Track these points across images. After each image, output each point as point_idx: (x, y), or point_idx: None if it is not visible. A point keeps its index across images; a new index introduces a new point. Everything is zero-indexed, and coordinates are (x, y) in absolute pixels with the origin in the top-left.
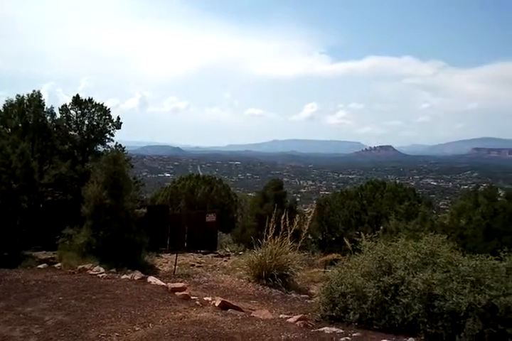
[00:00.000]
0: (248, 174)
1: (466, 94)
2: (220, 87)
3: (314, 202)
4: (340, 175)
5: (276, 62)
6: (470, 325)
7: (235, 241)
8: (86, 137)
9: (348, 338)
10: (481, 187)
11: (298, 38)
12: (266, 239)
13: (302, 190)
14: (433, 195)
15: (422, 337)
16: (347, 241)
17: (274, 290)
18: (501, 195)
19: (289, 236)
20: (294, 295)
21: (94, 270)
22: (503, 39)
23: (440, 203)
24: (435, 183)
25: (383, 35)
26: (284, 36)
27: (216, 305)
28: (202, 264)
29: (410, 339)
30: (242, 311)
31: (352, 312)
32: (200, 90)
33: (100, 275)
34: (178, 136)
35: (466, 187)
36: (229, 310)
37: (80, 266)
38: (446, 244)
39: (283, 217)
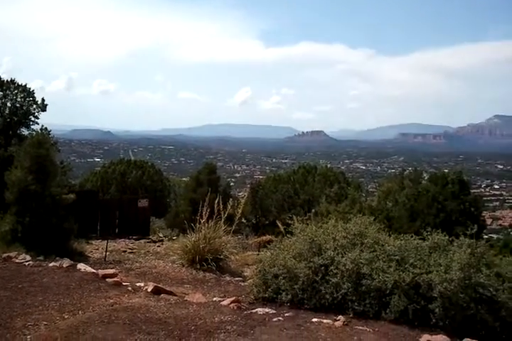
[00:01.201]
0: (182, 159)
1: (393, 81)
2: (151, 69)
3: (248, 186)
4: (274, 160)
5: (209, 45)
6: (395, 301)
7: (169, 226)
8: (8, 120)
9: (280, 318)
10: (407, 171)
11: (232, 21)
12: (199, 224)
13: (236, 175)
14: (362, 179)
15: (351, 315)
16: (280, 224)
17: (208, 274)
18: (425, 178)
19: (222, 220)
20: (228, 278)
21: (20, 258)
22: (428, 28)
23: (369, 186)
24: (364, 167)
25: (316, 22)
26: (218, 20)
27: (149, 290)
28: (134, 250)
29: (339, 317)
30: (176, 296)
31: (284, 293)
32: (131, 73)
33: (27, 264)
34: (109, 120)
35: (393, 171)
36: (162, 295)
37: (5, 255)
38: (374, 225)
39: (216, 201)
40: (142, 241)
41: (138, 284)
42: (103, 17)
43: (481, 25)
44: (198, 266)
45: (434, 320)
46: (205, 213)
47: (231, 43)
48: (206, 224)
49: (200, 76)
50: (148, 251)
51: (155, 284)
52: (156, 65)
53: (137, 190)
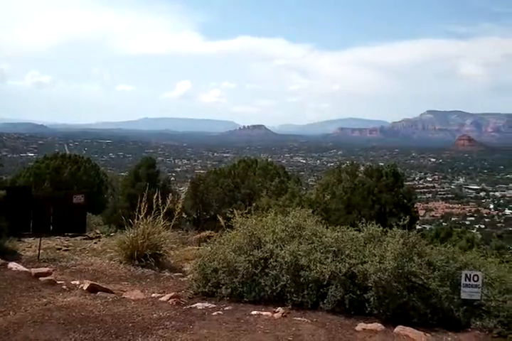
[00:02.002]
0: (120, 153)
1: (332, 76)
2: (88, 61)
3: (189, 181)
4: (215, 154)
5: (147, 38)
6: (332, 291)
7: (106, 222)
8: None
9: (219, 312)
10: (344, 164)
11: (171, 14)
12: (138, 219)
13: (177, 169)
14: (302, 173)
15: (290, 306)
16: (220, 218)
17: (146, 270)
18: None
19: (161, 215)
20: (167, 274)
21: None
22: (366, 24)
23: (309, 180)
24: (304, 161)
25: (255, 16)
26: (157, 12)
27: (84, 288)
28: (69, 247)
29: (278, 308)
30: (113, 293)
31: (224, 287)
32: (67, 64)
33: None
34: (43, 113)
35: (332, 164)
36: (98, 292)
37: None
38: (312, 217)
39: (155, 196)
40: (78, 238)
41: (73, 282)
42: (36, 6)
43: (417, 23)
44: (137, 263)
45: (369, 309)
46: (144, 208)
47: (170, 36)
48: (145, 220)
49: (138, 69)
50: (84, 248)
51: (91, 282)
52: (93, 57)
53: (72, 185)
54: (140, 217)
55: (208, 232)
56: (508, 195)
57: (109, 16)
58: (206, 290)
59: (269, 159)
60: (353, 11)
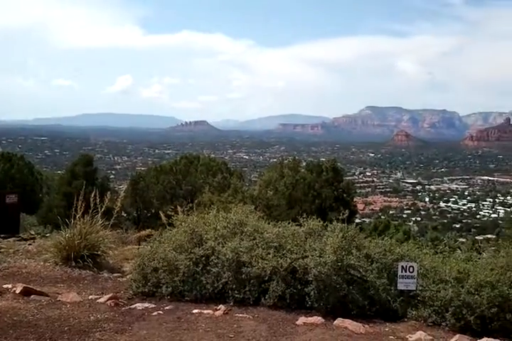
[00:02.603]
0: (56, 150)
1: (273, 72)
2: (23, 54)
3: (129, 178)
4: (157, 151)
5: (86, 30)
6: (274, 287)
7: (41, 222)
8: None
9: (160, 312)
10: (286, 160)
11: (111, 7)
12: (75, 219)
13: (117, 167)
14: (245, 169)
15: (231, 303)
16: (162, 216)
17: (84, 271)
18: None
19: (99, 214)
20: (106, 274)
21: None
22: (306, 21)
23: (252, 176)
24: (247, 157)
25: (196, 10)
26: (96, 5)
27: (17, 292)
28: (1, 250)
29: (220, 306)
30: (48, 296)
31: (164, 286)
32: None
33: None
34: None
35: (274, 160)
36: (32, 296)
37: None
38: (254, 213)
39: (93, 194)
40: (11, 239)
41: (5, 286)
42: None
43: (356, 20)
44: (74, 264)
45: (310, 303)
46: (81, 207)
47: (109, 29)
48: (82, 219)
49: (77, 63)
50: (17, 250)
51: (24, 285)
52: (28, 49)
53: (5, 184)
54: (77, 217)
55: (148, 231)
56: (442, 189)
57: (46, 9)
58: (146, 290)
59: (212, 155)
60: (293, 8)
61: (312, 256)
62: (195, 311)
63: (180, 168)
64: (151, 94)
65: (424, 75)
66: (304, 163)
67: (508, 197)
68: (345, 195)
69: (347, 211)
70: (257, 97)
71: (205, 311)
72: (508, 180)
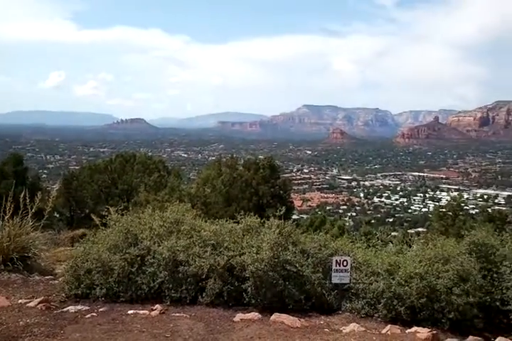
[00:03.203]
0: None
1: (211, 69)
2: None
3: (62, 177)
4: (92, 149)
5: (16, 24)
6: (211, 285)
7: None
8: None
9: (93, 314)
10: (224, 158)
11: (42, 1)
12: (3, 221)
13: (49, 166)
14: (184, 167)
15: (168, 303)
16: (95, 217)
17: (13, 275)
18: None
19: (30, 215)
20: (37, 277)
21: None
22: (244, 18)
23: (191, 174)
24: (186, 155)
25: (130, 5)
26: None
27: None
28: None
29: (156, 306)
30: None
31: (98, 288)
32: None
33: None
34: None
35: (213, 158)
36: None
37: None
38: (191, 211)
39: (23, 194)
40: None
41: None
42: None
43: (294, 19)
44: (3, 267)
45: (247, 299)
46: (10, 208)
47: (41, 24)
48: (11, 221)
49: (6, 58)
50: None
51: None
52: None
53: None
54: (5, 218)
55: (81, 231)
56: (376, 185)
57: None
58: (79, 292)
59: (149, 153)
60: (230, 5)
61: (249, 252)
62: (130, 312)
63: (115, 167)
64: (86, 91)
65: (358, 74)
66: (242, 161)
67: (438, 192)
68: (281, 192)
69: (283, 207)
70: (195, 95)
71: (141, 311)
72: (436, 175)
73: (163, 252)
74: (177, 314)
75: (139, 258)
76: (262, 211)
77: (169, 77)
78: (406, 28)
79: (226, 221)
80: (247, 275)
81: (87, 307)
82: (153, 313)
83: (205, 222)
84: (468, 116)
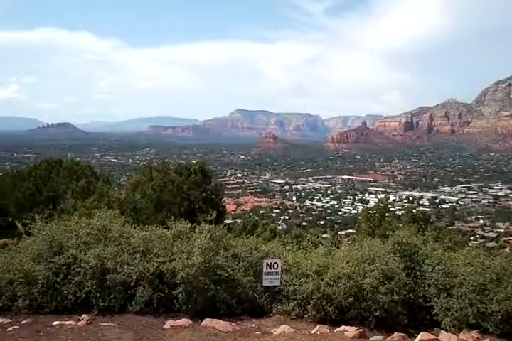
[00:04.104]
0: None
1: (142, 73)
2: None
3: None
4: (15, 155)
5: None
6: (140, 292)
7: None
8: None
9: (16, 327)
10: (155, 163)
11: None
12: None
13: None
14: (114, 172)
15: (96, 312)
16: (19, 225)
17: None
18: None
19: None
20: None
21: None
22: (176, 22)
23: (121, 179)
24: (116, 160)
25: (59, 6)
26: None
27: None
28: None
29: (83, 316)
30: None
31: (21, 299)
32: None
33: None
34: None
35: (145, 163)
36: None
37: None
38: (120, 218)
39: None
40: None
41: None
42: None
43: (225, 24)
44: None
45: (178, 306)
46: None
47: None
48: None
49: None
50: None
51: None
52: None
53: None
54: None
55: (3, 241)
56: (308, 188)
57: None
58: (0, 304)
59: (77, 159)
60: (162, 9)
61: (180, 258)
62: (55, 323)
63: (40, 173)
64: (8, 95)
65: (289, 80)
66: (173, 166)
67: (366, 195)
68: (213, 197)
69: (215, 212)
70: (125, 99)
71: (67, 322)
72: (365, 178)
73: (90, 260)
74: (105, 323)
75: (64, 268)
76: (193, 216)
77: (98, 80)
78: (336, 36)
79: (156, 227)
80: (178, 282)
81: (9, 320)
82: (79, 323)
83: (135, 228)
84: (394, 121)
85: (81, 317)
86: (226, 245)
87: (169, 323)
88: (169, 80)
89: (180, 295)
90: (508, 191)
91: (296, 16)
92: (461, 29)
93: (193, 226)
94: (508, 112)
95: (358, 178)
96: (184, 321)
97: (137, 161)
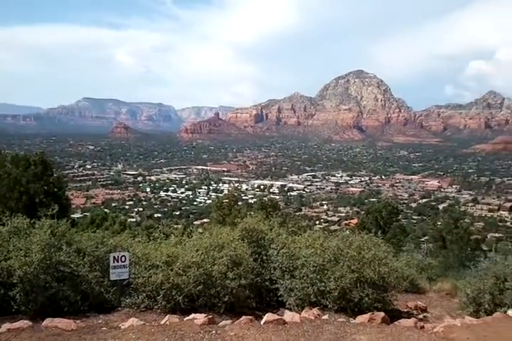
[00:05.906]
0: None
1: None
2: None
3: None
4: None
5: None
6: None
7: None
8: None
9: None
10: None
11: None
12: None
13: None
14: None
15: None
16: None
17: None
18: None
19: None
20: None
21: None
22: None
23: None
24: None
25: None
26: None
27: None
28: None
29: None
30: None
31: None
32: None
33: None
34: None
35: None
36: None
37: None
38: None
39: None
40: None
41: None
42: None
43: (64, 7)
44: None
45: (16, 307)
46: None
47: None
48: None
49: None
50: None
51: None
52: None
53: None
54: None
55: None
56: (162, 179)
57: None
58: None
59: None
60: None
61: (17, 256)
62: None
63: None
64: None
65: (140, 69)
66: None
67: (220, 184)
68: (56, 190)
69: (57, 206)
70: None
71: None
72: (219, 168)
73: None
74: None
75: None
76: (34, 211)
77: None
78: (188, 26)
79: None
80: (15, 281)
81: None
82: None
83: None
84: (245, 113)
85: None
86: (69, 240)
87: (5, 327)
88: (4, 64)
89: (17, 295)
90: (348, 178)
91: (146, 3)
92: (308, 27)
93: (32, 221)
94: (346, 106)
95: (213, 168)
96: (22, 323)
97: None
